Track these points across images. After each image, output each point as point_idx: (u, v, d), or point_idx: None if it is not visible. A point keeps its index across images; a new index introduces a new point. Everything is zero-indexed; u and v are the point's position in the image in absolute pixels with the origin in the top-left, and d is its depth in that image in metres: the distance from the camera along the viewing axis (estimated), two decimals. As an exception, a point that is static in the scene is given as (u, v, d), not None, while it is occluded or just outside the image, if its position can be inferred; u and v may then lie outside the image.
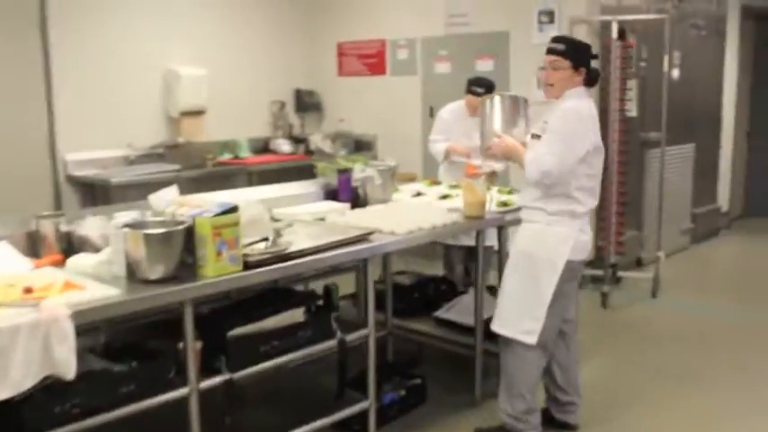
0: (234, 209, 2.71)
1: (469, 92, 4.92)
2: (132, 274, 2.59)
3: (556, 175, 3.16)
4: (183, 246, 2.62)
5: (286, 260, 2.85)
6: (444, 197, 4.36)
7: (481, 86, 4.84)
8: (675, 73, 6.93)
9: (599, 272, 5.86)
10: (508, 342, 3.37)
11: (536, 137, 3.29)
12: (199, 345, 2.70)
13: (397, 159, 6.54)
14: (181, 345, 2.67)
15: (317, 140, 7.32)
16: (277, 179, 7.04)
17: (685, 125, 7.20)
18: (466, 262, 5.20)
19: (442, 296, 4.69)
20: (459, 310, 4.42)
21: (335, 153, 7.22)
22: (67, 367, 2.23)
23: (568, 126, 3.17)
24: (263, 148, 7.36)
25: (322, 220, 3.66)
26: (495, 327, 3.42)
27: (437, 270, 5.31)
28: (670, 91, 5.94)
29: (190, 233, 2.64)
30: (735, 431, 3.74)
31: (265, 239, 2.95)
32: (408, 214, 3.68)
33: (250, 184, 6.52)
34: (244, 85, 7.29)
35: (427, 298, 4.70)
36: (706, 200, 8.02)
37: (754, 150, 9.11)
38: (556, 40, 3.34)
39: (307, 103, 7.77)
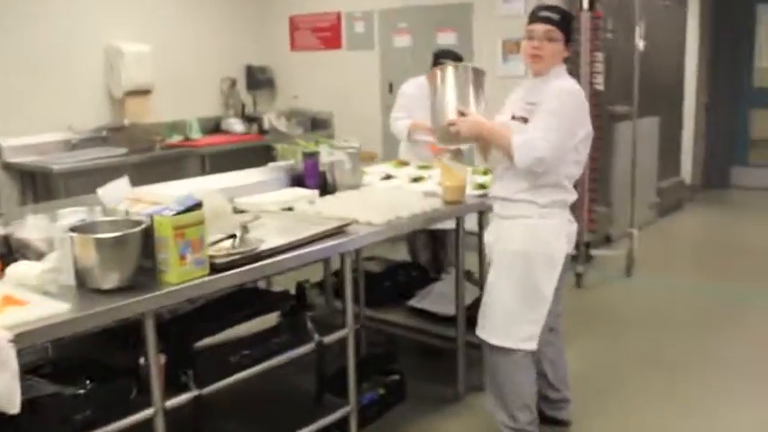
0: (197, 205, 2.38)
1: (436, 65, 4.55)
2: (83, 283, 2.26)
3: (548, 163, 2.83)
4: (141, 249, 2.29)
5: (257, 260, 2.55)
6: (416, 180, 4.08)
7: (451, 58, 4.52)
8: (641, 45, 6.73)
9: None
10: (502, 351, 3.04)
11: (521, 119, 2.94)
12: (162, 359, 2.39)
13: (356, 138, 6.28)
14: (142, 360, 2.35)
15: (271, 119, 6.96)
16: (231, 162, 6.69)
17: (650, 98, 7.04)
18: (434, 247, 4.94)
19: (413, 283, 4.44)
20: (434, 299, 4.17)
21: (291, 132, 6.89)
22: (10, 400, 1.90)
23: (566, 108, 2.85)
24: (214, 128, 6.98)
25: (290, 209, 3.36)
26: (487, 336, 3.07)
27: (399, 254, 5.05)
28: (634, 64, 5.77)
29: (148, 235, 2.31)
30: (726, 416, 3.59)
31: (232, 236, 2.63)
32: (383, 201, 3.39)
33: (202, 167, 6.17)
34: (191, 62, 6.88)
35: (398, 286, 4.44)
36: (670, 173, 7.92)
37: (711, 122, 9.05)
38: (549, 8, 2.95)
39: (259, 79, 7.39)
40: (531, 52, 2.96)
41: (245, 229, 2.70)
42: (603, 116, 6.21)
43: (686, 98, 8.20)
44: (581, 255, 5.59)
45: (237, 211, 3.27)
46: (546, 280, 2.96)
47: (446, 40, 6.22)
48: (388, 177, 4.20)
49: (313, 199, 3.52)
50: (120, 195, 2.80)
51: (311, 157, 3.75)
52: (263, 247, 2.60)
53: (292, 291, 3.03)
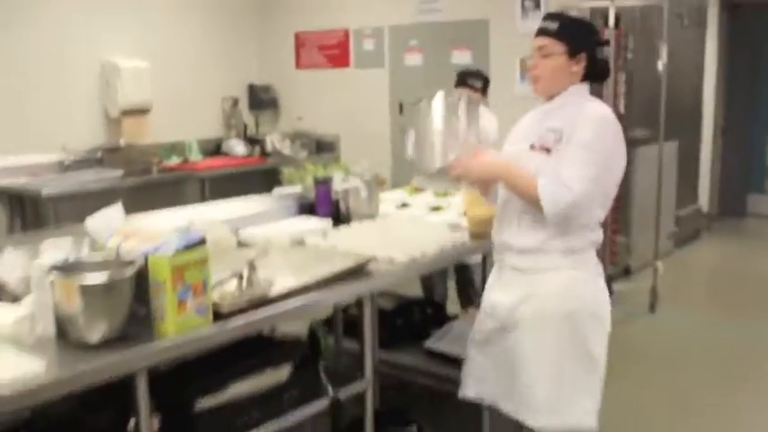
0: (200, 241, 2.05)
1: (464, 85, 4.22)
2: (64, 335, 1.93)
3: (584, 207, 2.31)
4: (133, 294, 1.96)
5: (267, 305, 2.21)
6: (435, 209, 3.75)
7: (479, 79, 4.20)
8: (661, 66, 6.45)
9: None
10: None
11: (542, 150, 2.39)
12: (156, 423, 2.05)
13: (364, 162, 5.95)
14: (132, 422, 2.01)
15: (274, 141, 6.63)
16: (233, 186, 6.34)
17: (669, 121, 6.74)
18: (460, 282, 4.61)
19: (429, 322, 4.08)
20: (453, 340, 3.80)
21: (295, 155, 6.58)
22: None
23: (602, 140, 2.33)
24: (214, 150, 6.65)
25: (301, 242, 3.03)
26: (533, 419, 2.47)
27: (411, 288, 4.70)
28: (656, 85, 5.49)
29: (141, 277, 1.97)
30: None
31: (238, 276, 2.29)
32: (405, 234, 3.07)
33: (202, 192, 5.84)
34: (191, 80, 6.57)
35: (412, 325, 4.08)
36: (688, 200, 7.61)
37: (727, 147, 8.75)
38: (549, 17, 2.49)
39: (262, 99, 7.08)
40: (528, 72, 2.53)
41: (252, 267, 2.36)
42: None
43: (704, 122, 7.90)
44: (603, 288, 5.25)
45: (242, 244, 2.95)
46: (597, 342, 2.46)
47: (461, 58, 5.92)
48: (403, 206, 3.88)
49: (326, 230, 3.19)
50: (111, 226, 2.47)
51: (323, 183, 3.42)
52: (274, 289, 2.26)
53: (296, 325, 2.70)
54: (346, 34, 6.70)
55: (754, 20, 8.49)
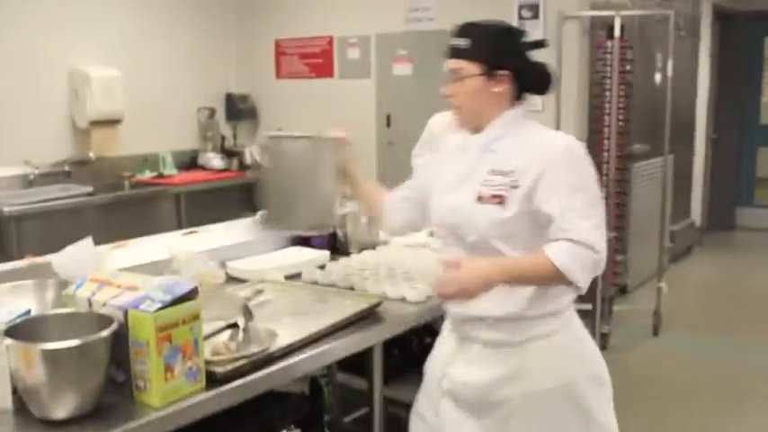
0: (191, 293, 1.71)
1: None
2: (24, 409, 1.58)
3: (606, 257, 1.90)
4: (110, 357, 1.62)
5: (269, 364, 1.88)
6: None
7: None
8: (659, 78, 6.23)
9: (587, 305, 5.05)
10: None
11: (495, 199, 1.94)
12: None
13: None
14: None
15: (254, 153, 6.25)
16: (210, 202, 5.99)
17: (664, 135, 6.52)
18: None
19: (428, 352, 3.77)
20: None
21: (276, 168, 6.21)
22: None
23: (588, 172, 1.95)
24: (189, 163, 6.27)
25: (297, 276, 2.70)
26: None
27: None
28: (653, 98, 5.26)
29: (120, 337, 1.63)
30: None
31: (233, 326, 1.96)
32: (413, 267, 2.74)
33: (177, 208, 5.48)
34: (166, 89, 6.19)
35: (410, 356, 3.76)
36: (681, 215, 7.38)
37: (717, 159, 8.57)
38: (459, 31, 2.06)
39: (240, 109, 6.71)
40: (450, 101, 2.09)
41: (248, 313, 2.03)
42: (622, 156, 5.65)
43: (696, 134, 7.70)
44: (604, 311, 4.98)
45: (231, 279, 2.62)
46: (603, 408, 2.06)
47: (452, 69, 5.62)
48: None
49: (323, 262, 2.86)
50: (81, 266, 2.12)
51: (318, 208, 3.08)
52: (276, 344, 1.93)
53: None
54: (330, 42, 6.36)
55: (744, 31, 8.33)
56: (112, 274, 1.84)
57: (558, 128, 5.20)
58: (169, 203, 5.47)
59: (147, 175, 5.74)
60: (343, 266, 2.75)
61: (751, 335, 5.27)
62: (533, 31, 5.16)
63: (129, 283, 1.75)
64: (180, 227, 5.36)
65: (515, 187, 1.91)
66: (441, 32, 5.64)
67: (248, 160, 6.37)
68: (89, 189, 5.16)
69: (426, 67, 5.77)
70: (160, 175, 5.76)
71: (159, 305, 1.63)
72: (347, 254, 3.05)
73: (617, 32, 4.80)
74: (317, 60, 6.45)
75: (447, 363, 2.13)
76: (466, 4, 5.48)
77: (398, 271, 2.66)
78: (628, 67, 5.69)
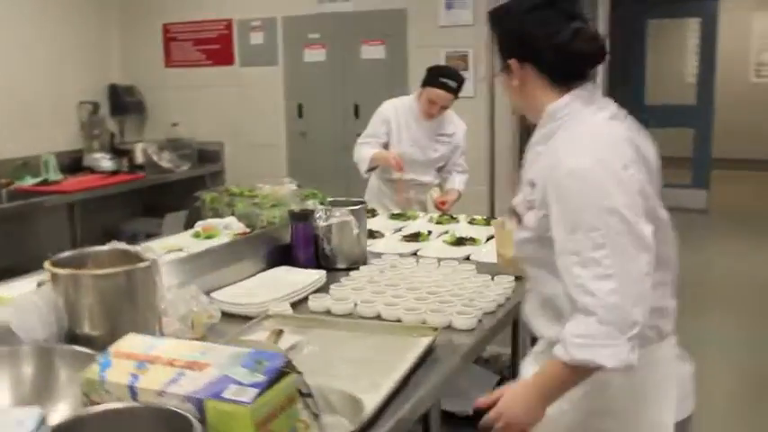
0: (287, 366, 1.23)
1: (436, 85, 3.45)
2: None
3: (639, 297, 1.47)
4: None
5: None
6: (458, 242, 2.98)
7: (453, 79, 3.48)
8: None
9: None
10: None
11: (515, 217, 1.70)
12: None
13: (258, 173, 5.10)
14: None
15: (148, 151, 5.57)
16: (108, 210, 5.29)
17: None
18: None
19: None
20: (465, 395, 3.15)
21: (175, 167, 5.59)
22: None
23: (596, 206, 1.49)
24: (74, 165, 5.46)
25: (299, 303, 2.22)
26: None
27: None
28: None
29: (197, 441, 1.13)
30: None
31: (306, 395, 1.47)
32: (433, 283, 2.33)
33: (71, 219, 4.73)
34: (41, 84, 5.38)
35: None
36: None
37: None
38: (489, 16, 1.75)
39: (126, 102, 5.97)
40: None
41: (293, 369, 1.54)
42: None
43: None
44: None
45: (220, 313, 2.11)
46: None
47: (372, 53, 5.21)
48: (406, 238, 3.06)
49: (322, 283, 2.39)
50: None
51: (302, 219, 2.61)
52: (366, 407, 1.47)
53: None
54: (229, 26, 5.76)
55: (630, 13, 8.44)
56: (147, 344, 1.31)
57: (491, 119, 4.93)
58: (60, 215, 4.73)
59: (29, 182, 4.93)
60: (352, 290, 2.29)
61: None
62: (462, 12, 4.87)
63: (183, 357, 1.24)
64: (74, 242, 4.66)
65: (531, 208, 1.62)
66: (358, 15, 5.24)
67: (139, 159, 5.69)
68: (-40, 202, 4.35)
69: (343, 52, 5.33)
70: (45, 182, 4.95)
71: (256, 391, 1.14)
72: (334, 269, 2.59)
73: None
74: (213, 46, 5.84)
75: None
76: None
77: (424, 291, 2.24)
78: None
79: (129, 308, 1.67)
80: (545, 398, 1.56)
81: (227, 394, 1.14)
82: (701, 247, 6.43)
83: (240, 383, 1.16)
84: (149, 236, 5.41)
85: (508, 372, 3.03)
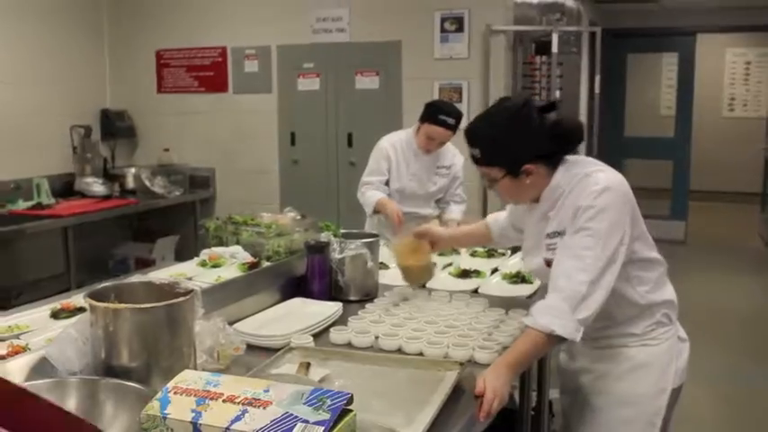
0: (349, 402, 1.27)
1: (435, 122, 3.52)
2: None
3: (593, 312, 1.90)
4: None
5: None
6: (463, 274, 3.04)
7: (452, 116, 3.54)
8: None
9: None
10: None
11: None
12: None
13: (249, 200, 5.14)
14: None
15: (143, 177, 5.58)
16: (98, 234, 5.29)
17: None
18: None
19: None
20: None
21: (167, 193, 5.59)
22: None
23: (597, 230, 1.93)
24: (65, 189, 5.45)
25: (324, 332, 2.26)
26: None
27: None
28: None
29: (266, 478, 1.16)
30: None
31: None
32: (450, 316, 2.37)
33: (65, 244, 4.71)
34: (32, 107, 5.38)
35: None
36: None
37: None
38: (467, 138, 2.05)
39: (117, 127, 5.98)
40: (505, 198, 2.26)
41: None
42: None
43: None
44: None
45: (244, 344, 2.14)
46: None
47: (366, 84, 5.29)
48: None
49: (338, 316, 2.42)
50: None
51: (317, 251, 2.64)
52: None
53: None
54: (223, 53, 5.81)
55: (610, 47, 8.62)
56: (203, 379, 1.34)
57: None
58: (53, 239, 4.71)
59: (22, 205, 4.91)
60: (371, 322, 2.33)
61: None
62: (456, 46, 4.96)
63: (243, 393, 1.28)
64: (68, 267, 4.65)
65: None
66: (353, 45, 5.32)
67: (131, 184, 5.70)
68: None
69: (337, 82, 5.41)
70: (39, 205, 4.94)
71: (322, 429, 1.17)
72: (347, 301, 2.63)
73: (554, 48, 4.69)
74: (207, 73, 5.88)
75: None
76: (385, 15, 5.20)
77: (442, 325, 2.29)
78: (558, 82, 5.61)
79: (168, 340, 1.69)
80: (517, 368, 1.90)
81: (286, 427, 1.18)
82: (681, 278, 6.49)
83: (306, 422, 1.19)
84: (140, 260, 5.48)
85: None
